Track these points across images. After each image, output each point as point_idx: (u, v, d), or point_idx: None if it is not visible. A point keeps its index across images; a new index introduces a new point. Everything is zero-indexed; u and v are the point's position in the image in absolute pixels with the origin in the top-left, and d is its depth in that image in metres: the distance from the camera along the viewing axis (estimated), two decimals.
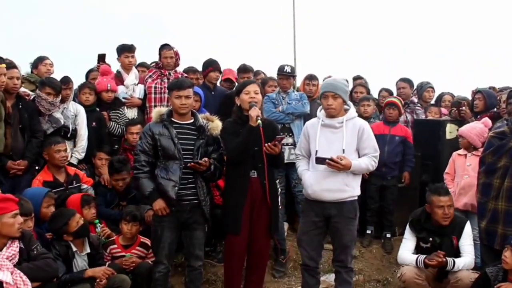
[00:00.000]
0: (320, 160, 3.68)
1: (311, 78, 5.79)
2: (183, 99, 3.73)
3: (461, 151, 5.02)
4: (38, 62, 5.60)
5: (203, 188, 3.81)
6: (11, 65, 4.39)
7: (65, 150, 4.54)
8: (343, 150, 3.73)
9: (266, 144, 3.67)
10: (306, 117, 5.26)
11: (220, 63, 5.94)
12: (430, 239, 4.13)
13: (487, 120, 4.98)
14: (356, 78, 7.16)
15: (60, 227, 3.71)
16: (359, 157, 3.80)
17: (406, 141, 5.55)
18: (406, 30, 14.00)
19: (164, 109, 3.88)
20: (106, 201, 4.62)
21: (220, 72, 5.98)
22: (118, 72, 5.73)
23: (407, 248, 4.24)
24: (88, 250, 3.83)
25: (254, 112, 3.68)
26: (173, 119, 3.81)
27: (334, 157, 3.63)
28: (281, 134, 4.15)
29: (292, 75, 5.59)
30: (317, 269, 4.04)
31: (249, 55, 9.67)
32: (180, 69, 5.85)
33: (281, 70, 5.51)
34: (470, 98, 6.31)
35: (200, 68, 6.02)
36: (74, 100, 5.21)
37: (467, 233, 4.14)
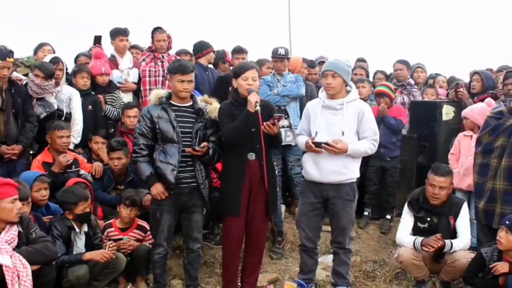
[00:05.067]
0: (316, 145, 3.69)
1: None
2: (186, 84, 3.68)
3: (467, 132, 4.99)
4: (38, 48, 5.57)
5: (202, 171, 3.78)
6: None
7: (68, 137, 4.53)
8: (343, 133, 3.72)
9: (264, 123, 3.60)
10: (302, 99, 5.26)
11: (214, 45, 6.00)
12: (428, 219, 4.14)
13: (490, 101, 4.95)
14: (359, 60, 7.21)
15: (68, 204, 3.74)
16: (359, 139, 3.79)
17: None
18: (403, 11, 13.86)
19: (162, 92, 3.82)
20: (103, 186, 4.61)
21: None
22: (112, 56, 5.68)
23: (405, 229, 4.22)
24: (86, 229, 3.82)
25: (253, 98, 3.58)
26: (172, 101, 3.76)
27: (329, 141, 3.62)
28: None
29: (286, 57, 5.53)
30: (315, 250, 4.06)
31: (243, 37, 9.57)
32: (172, 52, 5.84)
33: (275, 53, 5.44)
34: (466, 80, 6.32)
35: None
36: (70, 84, 5.16)
37: (464, 214, 4.13)
